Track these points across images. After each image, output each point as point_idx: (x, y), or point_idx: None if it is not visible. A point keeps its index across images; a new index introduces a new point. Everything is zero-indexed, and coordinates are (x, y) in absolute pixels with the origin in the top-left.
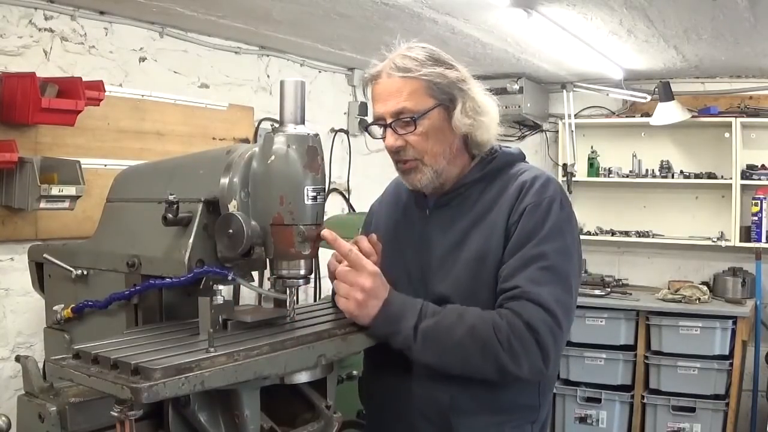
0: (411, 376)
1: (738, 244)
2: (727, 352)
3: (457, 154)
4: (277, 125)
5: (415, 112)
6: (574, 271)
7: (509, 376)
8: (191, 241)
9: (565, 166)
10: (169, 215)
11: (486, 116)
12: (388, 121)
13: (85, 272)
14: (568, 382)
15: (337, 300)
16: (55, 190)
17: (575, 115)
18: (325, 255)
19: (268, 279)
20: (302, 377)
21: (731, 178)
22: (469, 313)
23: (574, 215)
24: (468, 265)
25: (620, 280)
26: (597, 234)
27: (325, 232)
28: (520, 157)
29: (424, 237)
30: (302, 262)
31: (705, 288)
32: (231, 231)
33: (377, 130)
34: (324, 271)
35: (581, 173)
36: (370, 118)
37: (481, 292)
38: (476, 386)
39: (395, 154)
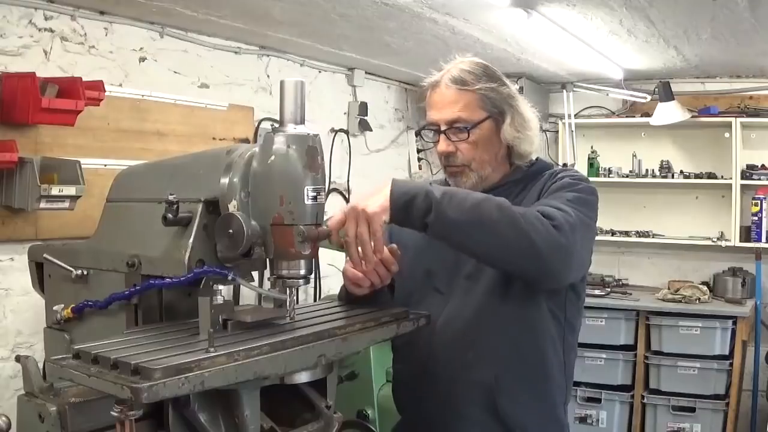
0: (454, 364)
1: (738, 244)
2: (727, 352)
3: (501, 162)
4: (277, 125)
5: (469, 122)
6: (594, 227)
7: (525, 242)
8: (191, 241)
9: (565, 166)
10: (169, 215)
11: (531, 131)
12: (442, 128)
13: (85, 272)
14: None
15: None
16: (55, 190)
17: (575, 115)
18: (325, 255)
19: (268, 279)
20: (302, 377)
21: (731, 178)
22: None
23: (595, 197)
24: None
25: (620, 280)
26: (597, 234)
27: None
28: (551, 165)
29: None
30: (302, 262)
31: (705, 288)
32: (231, 231)
33: (429, 134)
34: (324, 271)
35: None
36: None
37: (515, 281)
38: (517, 367)
39: (446, 159)
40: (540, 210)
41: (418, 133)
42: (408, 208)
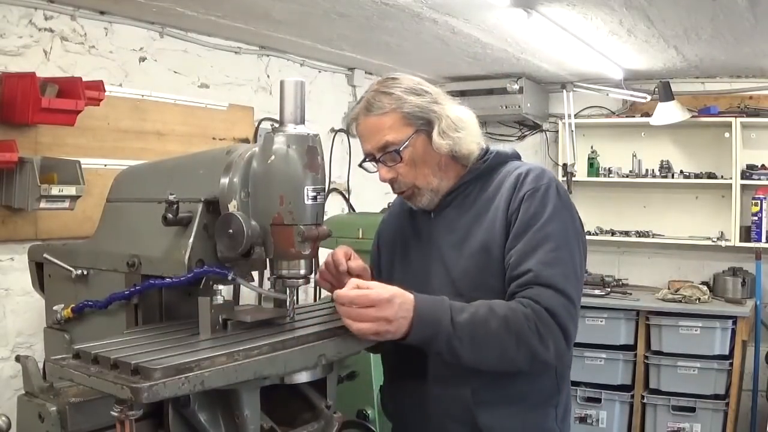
0: (430, 378)
1: (738, 244)
2: (727, 352)
3: (447, 167)
4: (277, 125)
5: (398, 144)
6: (579, 247)
7: (538, 361)
8: (191, 241)
9: (565, 166)
10: (169, 215)
11: (463, 131)
12: (377, 156)
13: (85, 272)
14: None
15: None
16: (55, 190)
17: (575, 115)
18: (325, 255)
19: (268, 279)
20: (302, 377)
21: (731, 178)
22: (497, 305)
23: (569, 198)
24: (474, 257)
25: (620, 280)
26: (597, 234)
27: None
28: (514, 156)
29: (430, 238)
30: (302, 261)
31: (705, 288)
32: (231, 231)
33: (370, 165)
34: None
35: (581, 173)
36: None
37: (489, 280)
38: (495, 378)
39: (391, 185)
40: (546, 306)
41: (360, 166)
42: (427, 344)
